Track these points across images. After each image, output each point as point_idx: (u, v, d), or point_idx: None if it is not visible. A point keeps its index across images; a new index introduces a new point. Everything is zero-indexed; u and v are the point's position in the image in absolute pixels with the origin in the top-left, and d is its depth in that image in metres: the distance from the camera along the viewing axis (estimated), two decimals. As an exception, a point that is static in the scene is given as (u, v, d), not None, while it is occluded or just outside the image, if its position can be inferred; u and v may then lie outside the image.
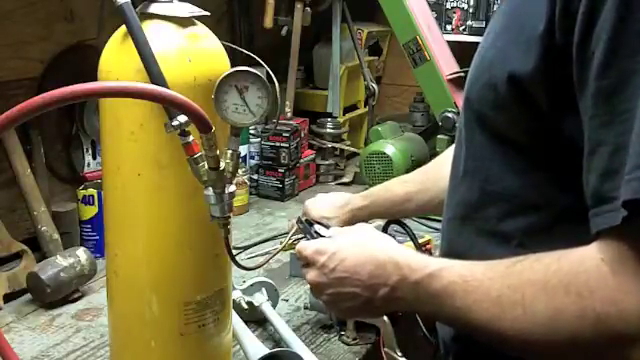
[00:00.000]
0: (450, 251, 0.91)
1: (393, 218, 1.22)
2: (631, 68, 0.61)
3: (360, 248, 0.87)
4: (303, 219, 1.08)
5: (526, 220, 0.78)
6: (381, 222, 1.61)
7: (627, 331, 0.60)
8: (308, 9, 1.80)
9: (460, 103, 1.78)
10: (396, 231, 1.39)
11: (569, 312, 0.63)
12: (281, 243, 1.61)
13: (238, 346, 1.15)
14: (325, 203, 1.29)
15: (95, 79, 0.92)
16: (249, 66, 0.87)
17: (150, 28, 0.89)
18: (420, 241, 1.42)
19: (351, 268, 0.85)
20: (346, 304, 0.87)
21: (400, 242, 1.35)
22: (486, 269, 0.72)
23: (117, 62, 0.90)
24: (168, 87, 0.83)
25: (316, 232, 1.01)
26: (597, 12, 0.63)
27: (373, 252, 0.85)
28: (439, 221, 1.77)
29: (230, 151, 0.88)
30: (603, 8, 0.62)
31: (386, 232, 1.37)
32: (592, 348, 0.64)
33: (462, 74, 1.82)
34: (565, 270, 0.65)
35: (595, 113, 0.64)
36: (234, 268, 1.00)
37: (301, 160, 2.06)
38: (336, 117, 2.17)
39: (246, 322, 1.21)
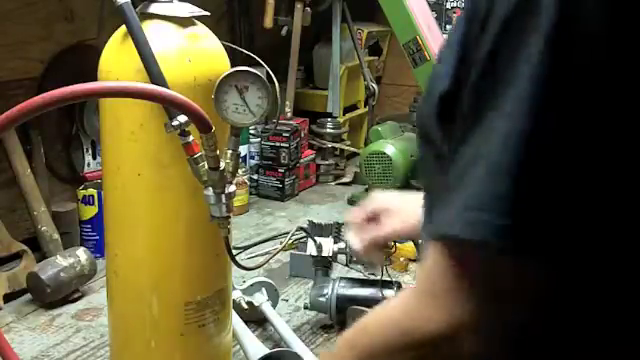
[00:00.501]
0: None
1: None
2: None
3: None
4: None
5: None
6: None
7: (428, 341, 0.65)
8: (308, 9, 1.81)
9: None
10: (396, 231, 1.39)
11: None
12: (281, 243, 1.62)
13: (238, 346, 1.15)
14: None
15: (95, 79, 0.92)
16: (249, 66, 0.87)
17: (150, 28, 0.89)
18: (420, 241, 1.43)
19: None
20: None
21: (400, 242, 1.36)
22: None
23: (117, 62, 0.90)
24: (168, 87, 0.83)
25: None
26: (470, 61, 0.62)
27: None
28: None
29: (230, 151, 0.88)
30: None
31: (386, 232, 1.38)
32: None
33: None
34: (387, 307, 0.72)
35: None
36: (234, 268, 1.00)
37: (301, 160, 2.06)
38: (336, 117, 2.17)
39: (246, 322, 1.21)
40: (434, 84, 0.73)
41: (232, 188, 0.88)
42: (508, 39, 0.58)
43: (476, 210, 0.58)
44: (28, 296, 1.37)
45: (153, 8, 0.91)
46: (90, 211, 1.55)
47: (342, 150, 2.21)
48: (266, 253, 1.58)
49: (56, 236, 1.45)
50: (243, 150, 1.93)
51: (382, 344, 0.71)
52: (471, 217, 0.58)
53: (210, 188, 0.87)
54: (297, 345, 1.17)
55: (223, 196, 0.87)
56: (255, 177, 2.03)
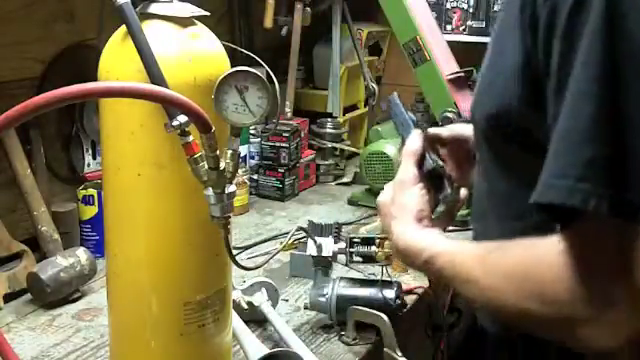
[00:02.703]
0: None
1: None
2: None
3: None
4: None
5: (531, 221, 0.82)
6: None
7: (575, 315, 0.68)
8: (308, 9, 1.80)
9: (460, 103, 1.79)
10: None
11: (530, 296, 0.71)
12: (281, 243, 1.62)
13: (238, 346, 1.15)
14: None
15: (95, 79, 0.92)
16: (249, 66, 0.87)
17: (150, 28, 0.89)
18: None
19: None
20: None
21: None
22: (469, 256, 0.80)
23: (117, 62, 0.90)
24: (168, 87, 0.83)
25: None
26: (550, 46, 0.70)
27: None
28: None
29: (230, 151, 0.88)
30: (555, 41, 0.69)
31: (386, 232, 1.38)
32: (552, 327, 0.72)
33: (462, 74, 1.82)
34: (531, 258, 0.73)
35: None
36: (234, 268, 1.00)
37: (301, 160, 2.06)
38: (336, 117, 2.17)
39: (246, 322, 1.21)
40: (487, 96, 0.81)
41: (232, 188, 0.88)
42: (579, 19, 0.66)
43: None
44: (28, 296, 1.37)
45: (153, 8, 0.91)
46: (90, 211, 1.55)
47: (342, 150, 2.21)
48: (266, 253, 1.58)
49: (56, 236, 1.44)
50: (243, 150, 1.93)
51: (514, 296, 0.72)
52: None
53: (210, 188, 0.87)
54: (297, 345, 1.17)
55: (223, 196, 0.87)
56: (255, 177, 2.03)
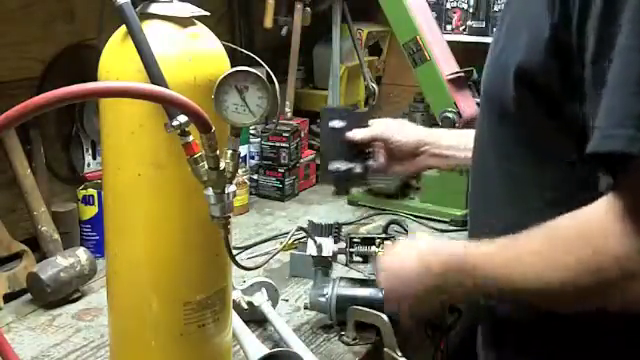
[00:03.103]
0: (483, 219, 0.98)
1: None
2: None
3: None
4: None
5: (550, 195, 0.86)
6: (382, 222, 1.62)
7: (632, 269, 0.71)
8: (308, 9, 1.80)
9: (460, 103, 1.79)
10: (396, 231, 1.39)
11: (586, 258, 0.74)
12: (281, 243, 1.62)
13: (238, 346, 1.15)
14: (404, 133, 1.34)
15: (95, 79, 0.92)
16: (249, 66, 0.87)
17: (150, 28, 0.89)
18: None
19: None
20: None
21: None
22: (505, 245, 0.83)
23: (117, 62, 0.90)
24: (168, 87, 0.83)
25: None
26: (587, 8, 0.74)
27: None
28: (439, 221, 1.78)
29: (230, 151, 0.88)
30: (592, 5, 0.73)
31: (386, 232, 1.38)
32: (608, 289, 0.74)
33: (462, 74, 1.82)
34: (580, 221, 0.76)
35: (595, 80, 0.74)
36: (234, 268, 1.00)
37: (301, 160, 2.06)
38: (336, 117, 2.17)
39: (246, 322, 1.21)
40: (510, 63, 0.83)
41: (232, 188, 0.88)
42: None
43: None
44: (28, 296, 1.37)
45: (153, 8, 0.91)
46: (90, 211, 1.55)
47: (342, 150, 2.20)
48: (266, 253, 1.58)
49: (56, 236, 1.45)
50: (243, 150, 1.93)
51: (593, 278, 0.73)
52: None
53: (210, 188, 0.87)
54: (297, 345, 1.17)
55: (223, 196, 0.87)
56: (255, 177, 2.03)
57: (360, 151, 1.30)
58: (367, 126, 1.33)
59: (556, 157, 0.84)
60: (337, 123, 1.30)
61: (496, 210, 0.94)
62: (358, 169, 1.30)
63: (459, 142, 1.34)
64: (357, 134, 1.31)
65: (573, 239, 0.75)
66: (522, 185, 0.89)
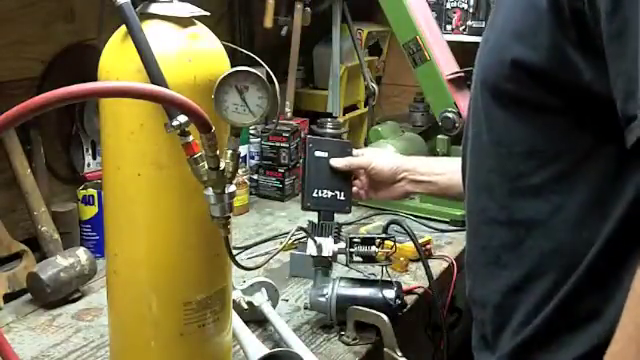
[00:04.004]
0: (478, 219, 0.96)
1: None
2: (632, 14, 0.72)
3: None
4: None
5: (553, 169, 0.85)
6: (381, 222, 1.62)
7: None
8: (308, 9, 1.80)
9: (460, 103, 1.79)
10: (396, 231, 1.39)
11: None
12: (281, 243, 1.62)
13: (238, 346, 1.15)
14: (383, 162, 1.42)
15: (95, 79, 0.92)
16: (249, 66, 0.87)
17: (150, 28, 0.89)
18: (420, 241, 1.43)
19: None
20: None
21: (400, 242, 1.36)
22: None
23: (117, 62, 0.90)
24: (168, 87, 0.83)
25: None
26: None
27: None
28: (439, 221, 1.78)
29: (230, 151, 0.88)
30: None
31: (386, 232, 1.38)
32: None
33: (462, 74, 1.82)
34: None
35: (610, 52, 0.74)
36: (234, 268, 1.00)
37: (301, 160, 2.06)
38: (336, 117, 2.17)
39: (246, 322, 1.21)
40: (507, 42, 0.84)
41: (232, 188, 0.88)
42: None
43: None
44: (28, 296, 1.37)
45: (153, 8, 0.91)
46: (90, 211, 1.55)
47: (342, 150, 2.20)
48: (266, 253, 1.58)
49: (56, 236, 1.44)
50: (243, 150, 1.93)
51: None
52: None
53: (210, 188, 0.87)
54: (297, 345, 1.17)
55: (223, 196, 0.87)
56: (255, 177, 2.03)
57: (342, 179, 1.38)
58: (350, 154, 1.41)
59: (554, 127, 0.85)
60: (321, 153, 1.38)
61: (490, 190, 0.93)
62: (341, 196, 1.37)
63: (437, 167, 1.40)
64: (339, 162, 1.37)
65: None
66: (516, 161, 0.89)
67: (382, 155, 1.46)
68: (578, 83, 0.79)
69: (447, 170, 1.38)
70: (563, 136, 0.84)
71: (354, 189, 1.41)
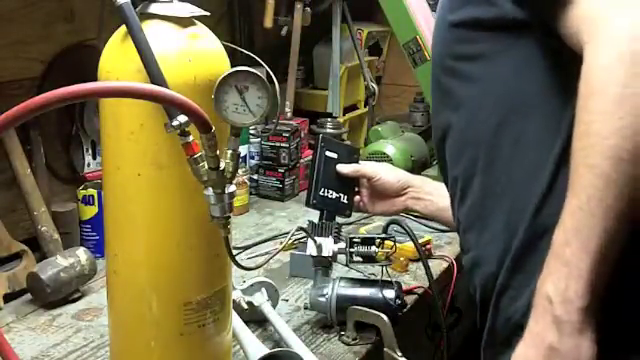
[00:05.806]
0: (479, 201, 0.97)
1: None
2: None
3: None
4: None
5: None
6: (381, 222, 1.62)
7: None
8: (308, 9, 1.80)
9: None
10: (396, 231, 1.39)
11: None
12: (281, 243, 1.62)
13: (238, 346, 1.15)
14: (389, 174, 1.44)
15: (95, 79, 0.92)
16: (249, 66, 0.87)
17: (150, 28, 0.89)
18: (420, 241, 1.43)
19: None
20: None
21: (400, 242, 1.36)
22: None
23: (117, 62, 0.90)
24: (168, 87, 0.83)
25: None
26: None
27: None
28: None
29: (230, 151, 0.88)
30: None
31: (386, 232, 1.38)
32: None
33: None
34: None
35: None
36: (234, 268, 1.00)
37: (301, 160, 2.06)
38: (336, 117, 2.17)
39: (246, 322, 1.21)
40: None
41: (232, 188, 0.88)
42: None
43: None
44: (28, 296, 1.37)
45: (153, 8, 0.91)
46: (90, 211, 1.55)
47: (342, 150, 2.20)
48: (266, 253, 1.58)
49: (56, 236, 1.44)
50: (243, 150, 1.93)
51: None
52: None
53: (210, 188, 0.87)
54: (297, 345, 1.17)
55: (223, 196, 0.87)
56: (255, 177, 2.03)
57: (347, 184, 1.41)
58: (357, 162, 1.44)
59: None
60: (331, 153, 1.40)
61: (485, 228, 0.95)
62: (344, 200, 1.40)
63: (440, 190, 1.38)
64: (346, 168, 1.40)
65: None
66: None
67: (388, 168, 1.49)
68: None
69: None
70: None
71: (356, 198, 1.43)
